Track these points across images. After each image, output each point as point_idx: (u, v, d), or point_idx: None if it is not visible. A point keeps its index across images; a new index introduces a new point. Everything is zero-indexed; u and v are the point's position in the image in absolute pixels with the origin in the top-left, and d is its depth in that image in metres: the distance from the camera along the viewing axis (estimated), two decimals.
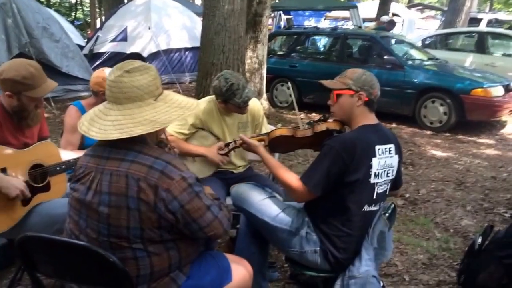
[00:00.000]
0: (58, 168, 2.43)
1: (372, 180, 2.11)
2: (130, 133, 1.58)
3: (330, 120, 2.38)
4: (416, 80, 7.31)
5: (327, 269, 2.20)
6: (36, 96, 2.32)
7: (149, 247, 1.62)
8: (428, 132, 7.17)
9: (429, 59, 8.26)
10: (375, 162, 2.10)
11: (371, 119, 2.21)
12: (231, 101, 2.77)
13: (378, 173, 2.13)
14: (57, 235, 1.75)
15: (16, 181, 2.21)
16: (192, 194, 1.61)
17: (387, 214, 2.17)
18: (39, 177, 2.36)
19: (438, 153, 6.12)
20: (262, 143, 2.46)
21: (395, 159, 2.22)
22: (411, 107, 7.38)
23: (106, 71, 2.92)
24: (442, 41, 11.05)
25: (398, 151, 2.26)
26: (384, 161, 2.15)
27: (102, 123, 1.62)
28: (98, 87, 2.83)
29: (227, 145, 2.68)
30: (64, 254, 1.62)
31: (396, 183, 2.35)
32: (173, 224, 1.62)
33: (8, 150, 2.27)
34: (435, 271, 3.10)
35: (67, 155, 2.55)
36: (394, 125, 7.52)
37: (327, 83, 2.29)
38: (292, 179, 2.14)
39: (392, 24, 11.34)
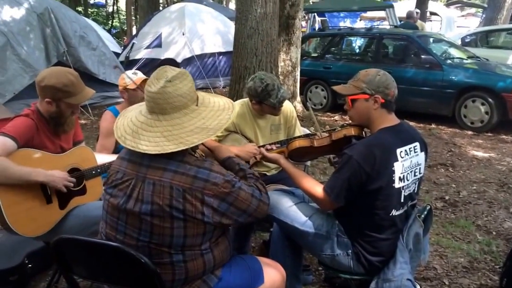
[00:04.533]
0: (94, 172, 2.49)
1: (397, 185, 2.04)
2: (186, 144, 1.59)
3: (348, 125, 2.31)
4: (455, 79, 7.12)
5: (361, 272, 2.15)
6: (75, 103, 2.39)
7: (186, 253, 1.63)
8: (469, 133, 6.98)
9: (469, 57, 8.02)
10: (397, 166, 2.03)
11: (391, 120, 2.13)
12: (266, 102, 2.75)
13: (403, 176, 2.06)
14: (93, 237, 1.77)
15: (58, 173, 2.27)
16: (237, 190, 1.65)
17: (422, 216, 2.11)
18: (76, 180, 2.41)
19: (479, 153, 5.93)
20: (282, 155, 2.43)
21: (421, 157, 2.15)
22: (450, 107, 7.20)
23: (125, 75, 3.06)
24: (482, 39, 10.73)
25: (424, 148, 2.19)
26: (409, 162, 2.08)
27: (150, 135, 1.60)
28: (121, 88, 3.07)
29: (247, 162, 2.66)
30: (97, 255, 1.65)
31: None
32: (216, 227, 1.64)
33: (46, 155, 2.33)
34: (476, 274, 3.00)
35: (102, 159, 2.60)
36: (433, 125, 7.36)
37: (339, 88, 2.22)
38: (316, 189, 2.10)
39: (410, 17, 10.85)
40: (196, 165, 1.60)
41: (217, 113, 1.72)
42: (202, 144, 2.00)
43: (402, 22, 10.78)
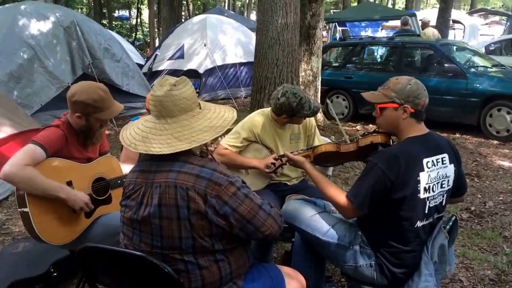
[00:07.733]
0: (119, 182, 2.53)
1: (422, 195, 2.00)
2: (198, 141, 1.64)
3: (375, 133, 2.29)
4: (479, 88, 7.01)
5: (385, 284, 2.12)
6: (104, 118, 2.45)
7: (200, 260, 1.64)
8: (495, 142, 6.85)
9: (494, 65, 7.90)
10: (423, 176, 1.99)
11: (420, 129, 2.09)
12: (298, 114, 2.77)
13: (429, 186, 2.01)
14: (117, 245, 1.80)
15: (81, 194, 2.31)
16: (241, 196, 1.64)
17: (447, 227, 2.07)
18: (102, 190, 2.46)
19: (506, 163, 5.81)
20: (307, 159, 2.42)
21: (450, 169, 2.09)
22: (475, 116, 7.09)
23: None
24: (507, 47, 10.57)
25: (454, 159, 2.12)
26: (436, 173, 2.03)
27: (161, 138, 1.65)
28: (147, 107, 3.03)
29: (273, 163, 2.67)
30: (121, 264, 1.67)
31: (459, 190, 2.23)
32: (225, 230, 1.63)
33: (74, 164, 2.39)
34: (504, 287, 2.92)
35: (127, 168, 2.63)
36: (457, 135, 7.23)
37: (368, 96, 2.19)
38: (339, 196, 2.08)
39: (405, 24, 10.73)
40: (199, 164, 1.64)
41: (220, 113, 1.77)
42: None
43: (399, 30, 10.66)
